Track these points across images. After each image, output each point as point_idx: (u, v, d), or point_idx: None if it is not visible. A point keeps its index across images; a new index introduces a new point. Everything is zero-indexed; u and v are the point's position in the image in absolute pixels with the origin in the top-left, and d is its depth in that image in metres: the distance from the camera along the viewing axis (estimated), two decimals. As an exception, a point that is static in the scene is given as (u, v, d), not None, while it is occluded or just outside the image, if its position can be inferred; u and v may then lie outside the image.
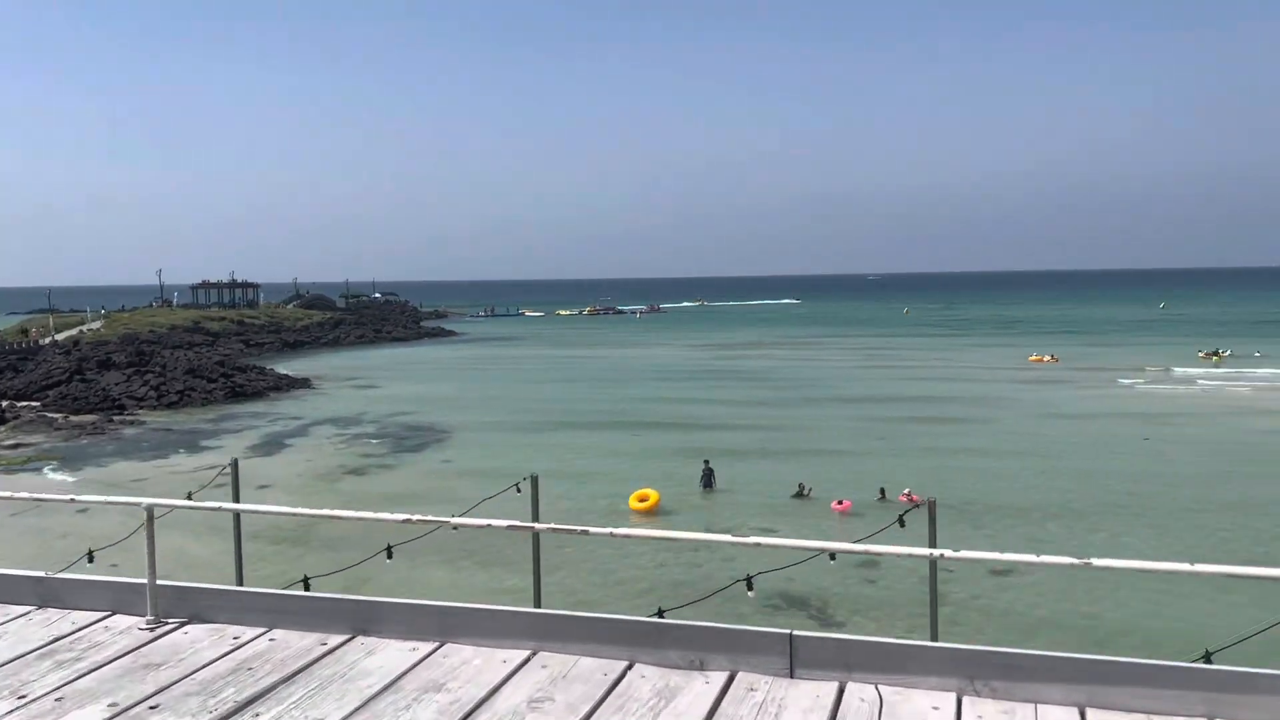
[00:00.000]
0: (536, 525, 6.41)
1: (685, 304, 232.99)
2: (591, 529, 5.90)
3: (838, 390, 59.93)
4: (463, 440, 43.90)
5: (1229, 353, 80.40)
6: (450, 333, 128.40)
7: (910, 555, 5.53)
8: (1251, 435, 41.58)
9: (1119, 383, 61.70)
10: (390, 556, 10.26)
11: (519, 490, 12.02)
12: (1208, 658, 9.10)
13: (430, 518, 6.02)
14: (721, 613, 18.62)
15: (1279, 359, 74.79)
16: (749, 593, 10.41)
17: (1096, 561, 4.77)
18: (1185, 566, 4.75)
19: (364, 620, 5.19)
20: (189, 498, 12.68)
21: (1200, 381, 61.33)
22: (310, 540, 27.04)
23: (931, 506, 10.02)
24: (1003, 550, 5.53)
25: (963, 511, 28.70)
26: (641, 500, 30.46)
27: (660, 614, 9.50)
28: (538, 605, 10.79)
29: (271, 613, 5.33)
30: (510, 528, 5.79)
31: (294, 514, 6.34)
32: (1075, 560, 4.73)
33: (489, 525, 5.87)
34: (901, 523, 10.31)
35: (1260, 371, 66.05)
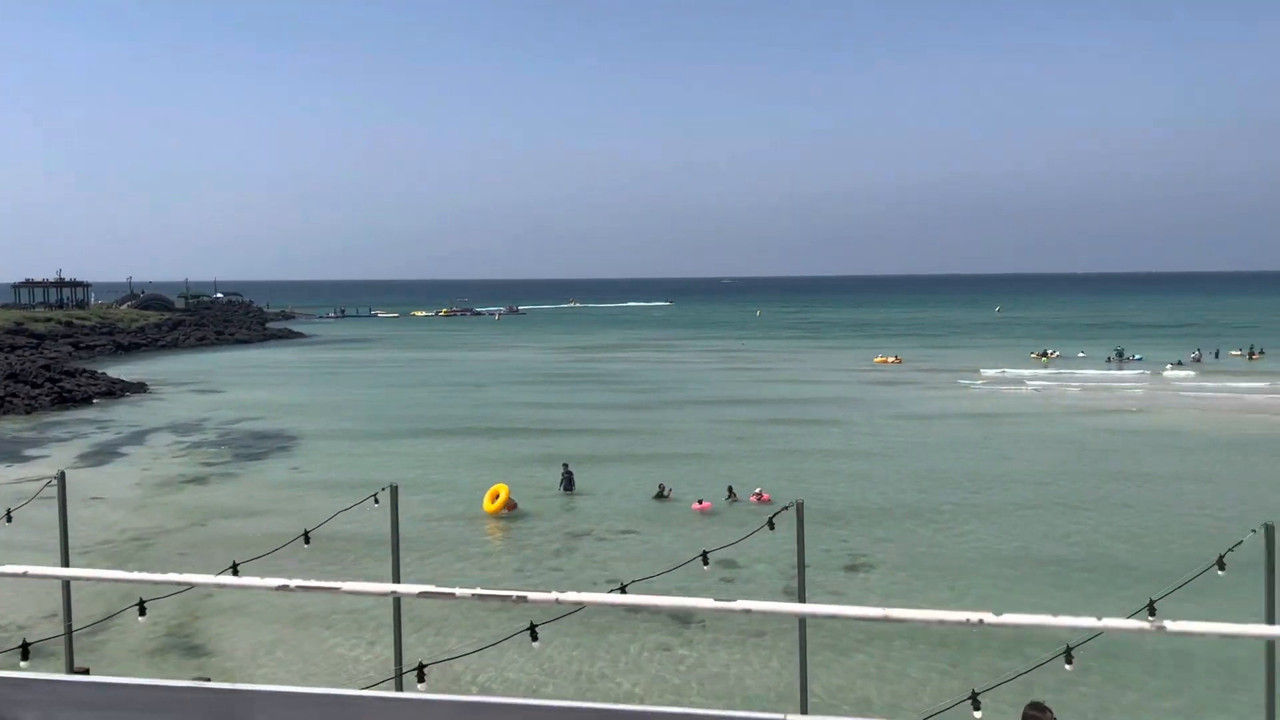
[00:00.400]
0: (457, 592, 4.40)
1: (559, 305, 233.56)
2: (531, 594, 4.46)
3: (696, 392, 60.74)
4: (312, 448, 42.29)
5: (1057, 353, 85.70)
6: (298, 335, 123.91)
7: (945, 622, 4.51)
8: (1083, 433, 44.17)
9: (960, 383, 64.77)
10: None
11: (377, 501, 11.54)
12: (1069, 655, 9.50)
13: (316, 583, 4.53)
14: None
15: (1100, 359, 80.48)
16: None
17: (1170, 625, 4.04)
18: (1264, 629, 4.16)
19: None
20: (8, 517, 11.63)
21: (1031, 382, 64.94)
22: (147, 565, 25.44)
23: (799, 509, 10.11)
24: (1055, 613, 4.34)
25: (820, 513, 29.38)
26: (494, 499, 30.02)
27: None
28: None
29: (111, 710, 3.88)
30: (423, 595, 4.40)
31: (132, 580, 4.69)
32: (1146, 624, 4.06)
33: (394, 593, 4.59)
34: (771, 525, 10.35)
35: (1082, 372, 70.46)
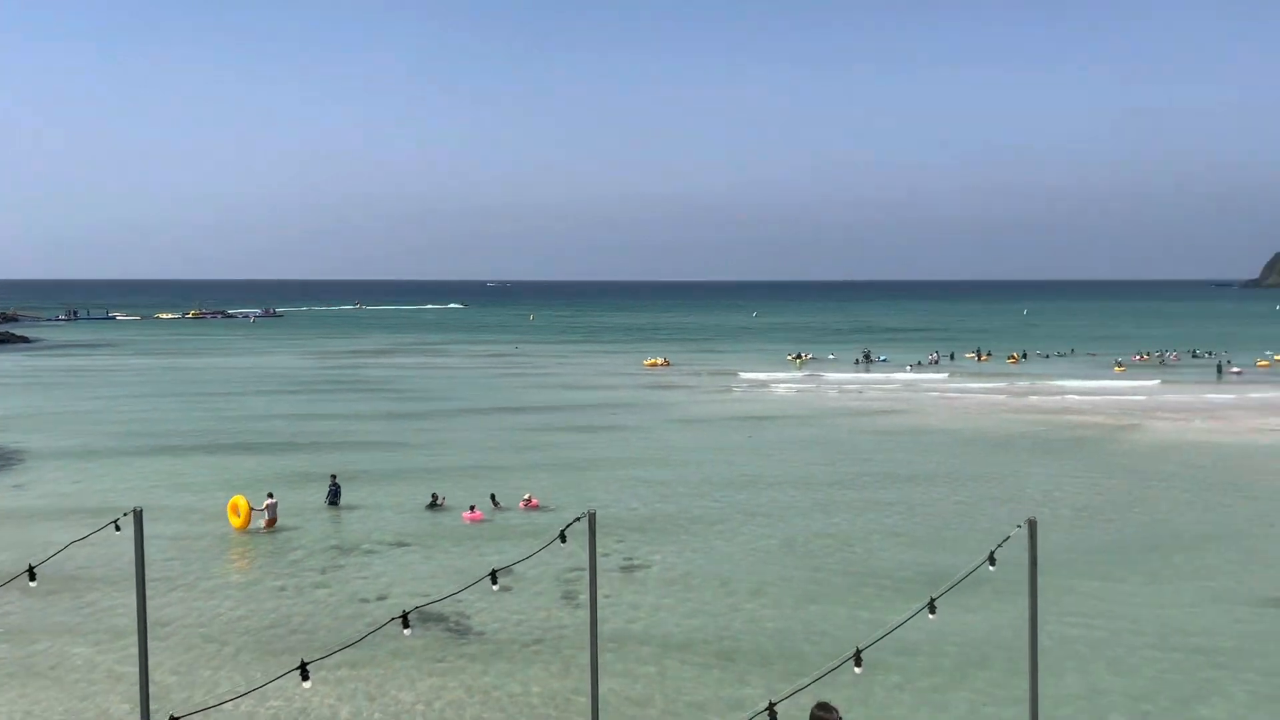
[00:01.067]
0: None
1: (341, 307, 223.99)
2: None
3: (469, 399, 59.54)
4: (38, 466, 37.90)
5: (810, 356, 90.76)
6: (22, 339, 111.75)
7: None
8: (848, 434, 46.66)
9: (726, 386, 67.14)
10: None
11: (118, 528, 10.13)
12: (858, 658, 9.63)
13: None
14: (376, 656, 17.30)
15: (847, 362, 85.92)
16: (405, 630, 9.58)
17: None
18: None
19: None
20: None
21: (790, 385, 68.25)
22: None
23: (591, 519, 9.74)
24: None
25: (602, 522, 29.21)
26: (235, 512, 27.97)
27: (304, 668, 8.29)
28: None
29: None
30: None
31: None
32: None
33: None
34: (563, 538, 9.92)
35: (833, 376, 74.67)
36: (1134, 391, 63.48)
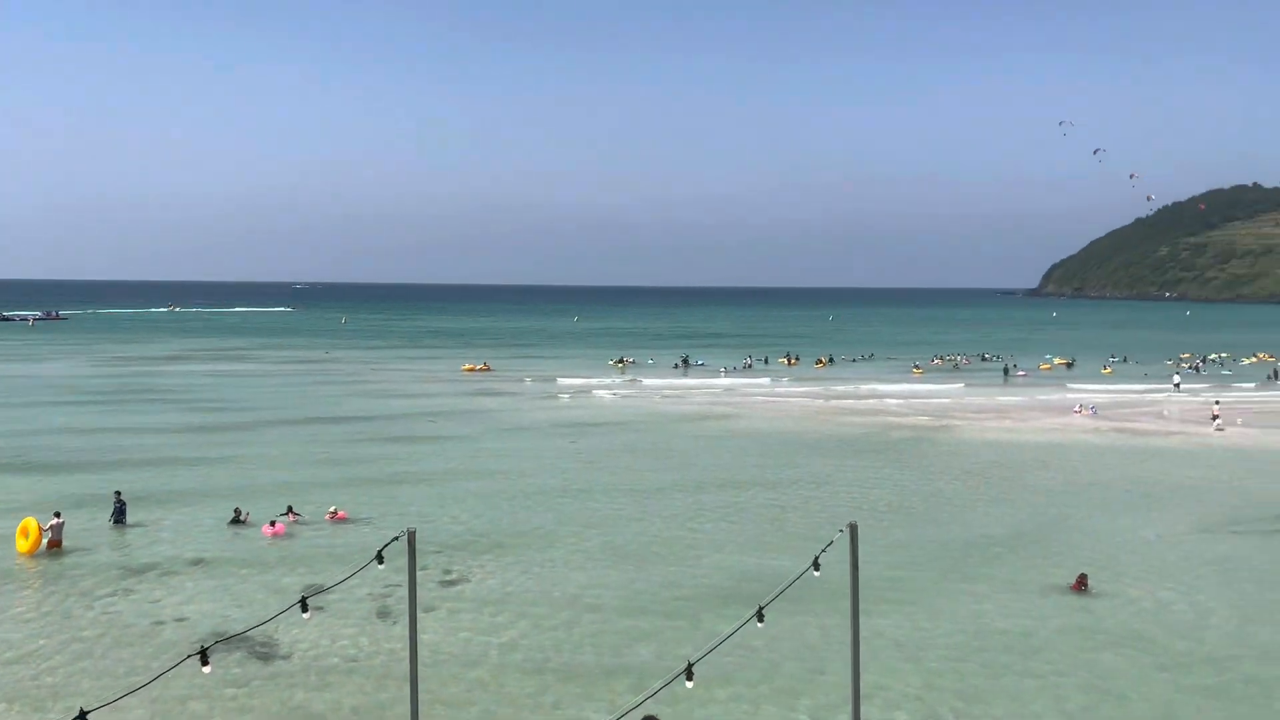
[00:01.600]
0: None
1: (153, 310, 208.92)
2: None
3: (274, 409, 56.58)
4: None
5: (632, 360, 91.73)
6: None
7: None
8: (678, 440, 47.05)
9: (549, 391, 66.73)
10: None
11: None
12: (689, 671, 9.47)
13: None
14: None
15: (666, 366, 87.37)
16: (205, 669, 8.73)
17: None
18: None
19: None
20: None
21: (612, 391, 68.56)
22: None
23: (411, 538, 9.18)
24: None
25: (421, 538, 28.20)
26: (25, 535, 25.50)
27: None
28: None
29: None
30: None
31: None
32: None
33: None
34: (380, 559, 9.30)
35: (653, 381, 75.65)
36: (940, 395, 67.25)
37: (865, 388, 71.08)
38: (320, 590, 19.46)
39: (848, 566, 10.59)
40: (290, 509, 29.40)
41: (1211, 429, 50.04)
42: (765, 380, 76.33)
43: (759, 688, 17.37)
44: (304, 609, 9.27)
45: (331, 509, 29.91)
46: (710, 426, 50.45)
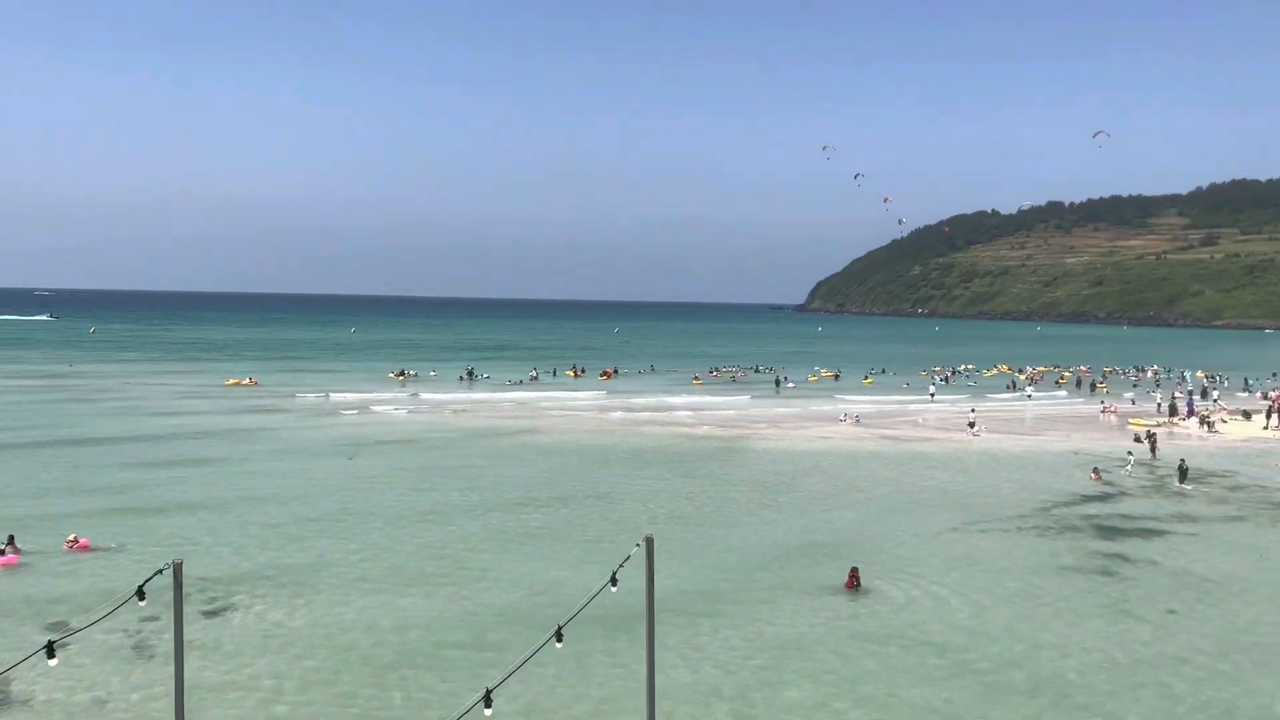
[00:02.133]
0: None
1: None
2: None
3: (5, 430, 51.11)
4: None
5: (414, 373, 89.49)
6: None
7: None
8: (453, 456, 46.05)
9: (324, 408, 63.84)
10: None
11: None
12: (487, 698, 9.15)
13: None
14: None
15: (450, 379, 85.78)
16: None
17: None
18: None
19: None
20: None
21: (394, 406, 66.47)
22: None
23: (177, 570, 8.43)
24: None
25: (191, 574, 26.14)
26: None
27: None
28: None
29: None
30: None
31: None
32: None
33: None
34: (141, 595, 8.47)
35: (437, 396, 74.13)
36: (723, 406, 69.61)
37: (653, 399, 72.61)
38: (71, 631, 17.67)
39: (646, 581, 10.62)
40: (11, 540, 26.41)
41: (969, 434, 54.39)
42: (555, 393, 76.38)
43: (559, 713, 17.18)
44: (50, 654, 8.27)
45: (71, 537, 27.26)
46: (501, 443, 49.62)
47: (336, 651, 19.91)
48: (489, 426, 55.65)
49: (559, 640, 9.98)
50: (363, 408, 63.79)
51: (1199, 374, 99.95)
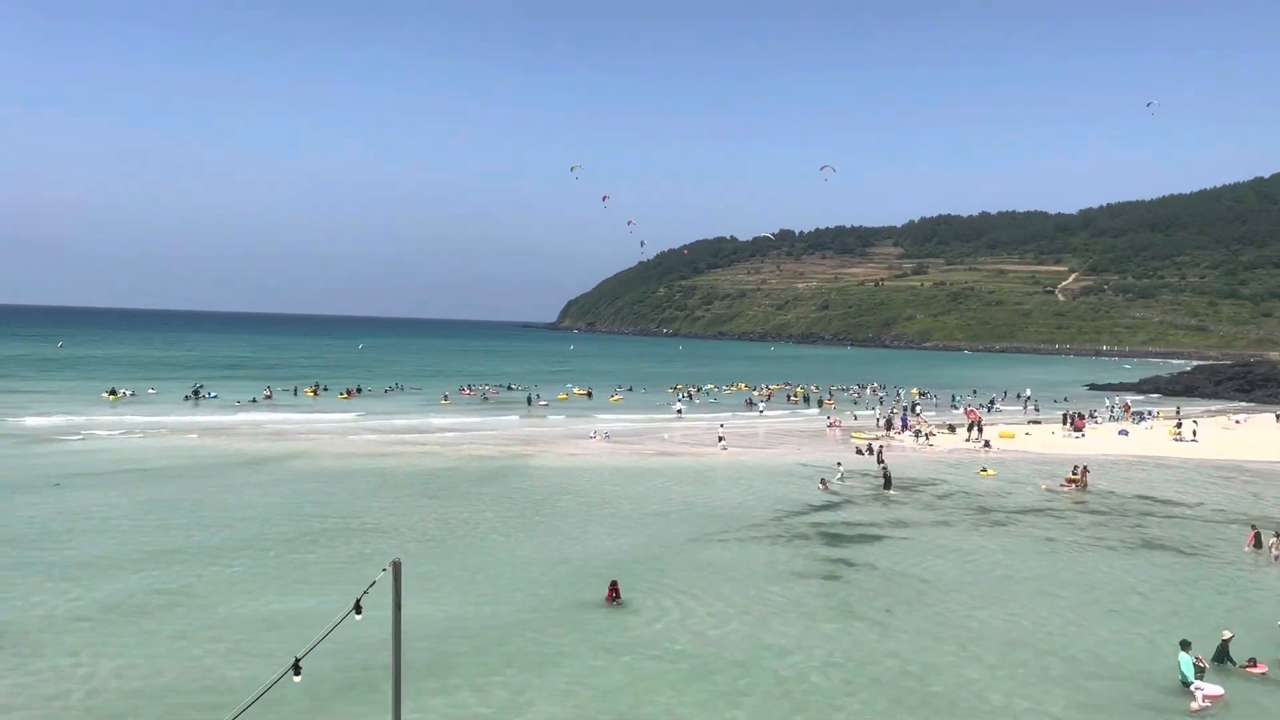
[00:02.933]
0: None
1: None
2: None
3: None
4: None
5: (130, 392, 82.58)
6: None
7: None
8: (193, 486, 42.67)
9: (24, 432, 57.50)
10: None
11: None
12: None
13: None
14: None
15: (175, 400, 79.61)
16: None
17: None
18: None
19: None
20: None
21: (113, 431, 60.92)
22: None
23: None
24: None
25: None
26: None
27: None
28: None
29: None
30: None
31: None
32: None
33: None
34: None
35: (157, 419, 68.76)
36: (479, 426, 68.87)
37: (402, 420, 70.63)
38: None
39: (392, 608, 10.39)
40: None
41: (717, 448, 56.85)
42: (293, 415, 72.54)
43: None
44: None
45: None
46: (235, 471, 45.96)
47: (53, 711, 18.00)
48: (223, 450, 52.00)
49: (297, 673, 9.56)
50: (74, 431, 57.92)
51: (913, 391, 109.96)
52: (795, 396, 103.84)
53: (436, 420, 71.79)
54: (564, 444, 58.67)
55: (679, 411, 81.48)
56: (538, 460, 51.11)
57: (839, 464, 48.50)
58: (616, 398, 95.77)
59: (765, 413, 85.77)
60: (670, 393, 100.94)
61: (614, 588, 25.27)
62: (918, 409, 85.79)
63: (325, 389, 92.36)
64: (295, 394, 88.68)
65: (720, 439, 59.26)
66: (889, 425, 70.98)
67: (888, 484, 44.12)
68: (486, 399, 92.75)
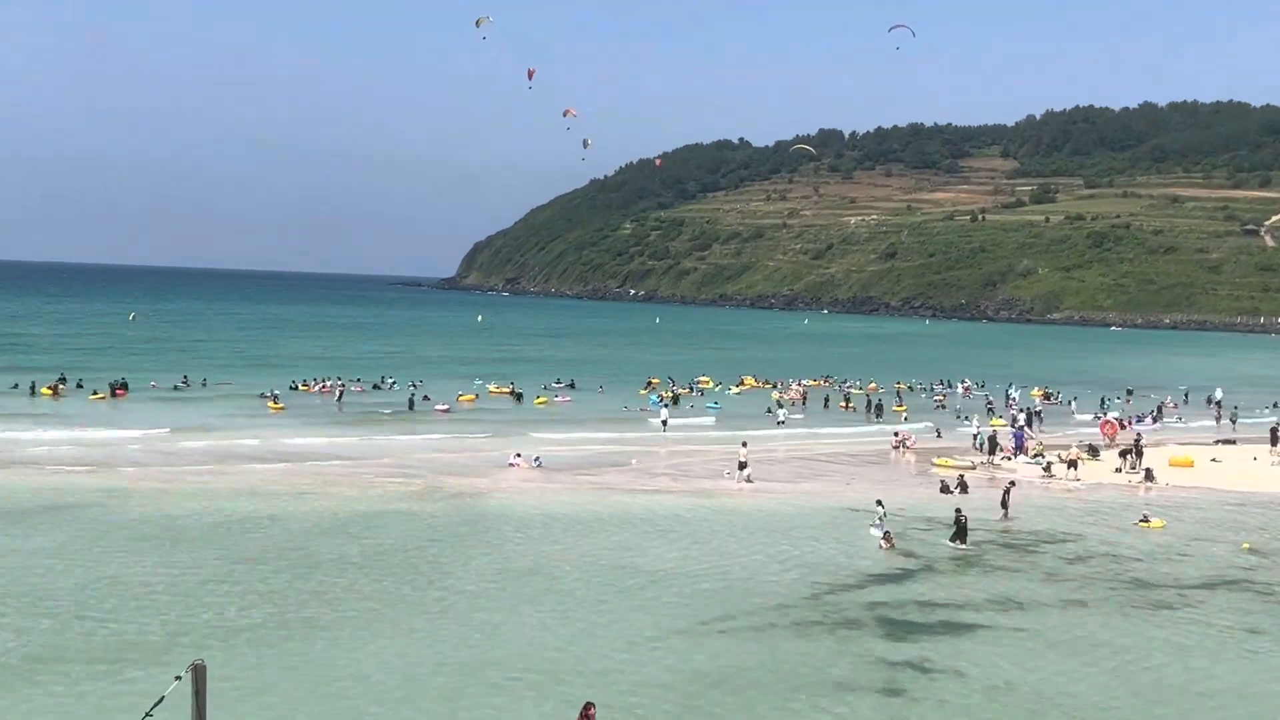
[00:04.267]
0: None
1: None
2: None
3: None
4: None
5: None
6: None
7: None
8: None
9: None
10: None
11: None
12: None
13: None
14: None
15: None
16: None
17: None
18: None
19: None
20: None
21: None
22: None
23: None
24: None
25: None
26: None
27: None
28: None
29: None
30: None
31: None
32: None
33: None
34: None
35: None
36: (328, 449, 69.00)
37: (210, 437, 68.91)
38: None
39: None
40: None
41: (736, 482, 56.61)
42: (19, 432, 68.87)
43: None
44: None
45: None
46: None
47: None
48: None
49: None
50: None
51: (1034, 392, 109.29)
52: (847, 403, 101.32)
53: (260, 435, 69.61)
54: (474, 473, 58.24)
55: (665, 423, 79.33)
56: (427, 502, 50.02)
57: (879, 503, 47.28)
58: (542, 400, 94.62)
59: (791, 424, 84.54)
60: (643, 393, 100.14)
61: (588, 713, 24.39)
62: (1039, 421, 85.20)
63: (79, 385, 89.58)
64: (33, 393, 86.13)
65: (742, 465, 58.45)
66: (993, 448, 70.64)
67: (960, 534, 43.91)
68: (340, 401, 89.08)
